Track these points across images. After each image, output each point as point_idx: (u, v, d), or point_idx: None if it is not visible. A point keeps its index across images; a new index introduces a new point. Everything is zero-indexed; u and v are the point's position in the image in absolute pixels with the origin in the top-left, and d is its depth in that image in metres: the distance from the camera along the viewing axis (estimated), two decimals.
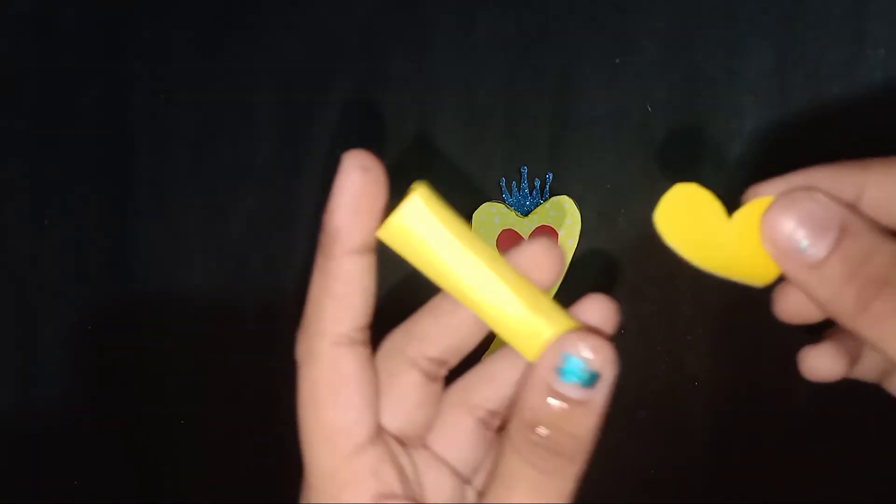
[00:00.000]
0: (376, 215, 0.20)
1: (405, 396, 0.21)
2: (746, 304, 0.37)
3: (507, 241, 0.38)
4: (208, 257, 0.43)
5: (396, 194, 0.42)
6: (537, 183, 0.39)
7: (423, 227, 0.19)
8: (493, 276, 0.19)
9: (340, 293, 0.21)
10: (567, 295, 0.38)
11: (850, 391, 0.35)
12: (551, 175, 0.39)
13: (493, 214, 0.38)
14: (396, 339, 0.22)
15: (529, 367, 0.19)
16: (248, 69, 0.43)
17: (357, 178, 0.20)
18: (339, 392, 0.20)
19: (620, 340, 0.40)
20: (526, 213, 0.39)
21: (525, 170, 0.39)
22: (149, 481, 0.43)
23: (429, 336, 0.21)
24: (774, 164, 0.37)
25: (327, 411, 0.20)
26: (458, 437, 0.22)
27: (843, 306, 0.19)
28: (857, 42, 0.36)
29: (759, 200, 0.21)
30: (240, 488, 0.42)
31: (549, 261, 0.20)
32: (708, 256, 0.20)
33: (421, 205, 0.19)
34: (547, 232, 0.38)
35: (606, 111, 0.38)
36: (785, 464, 0.37)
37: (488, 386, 0.21)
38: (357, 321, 0.21)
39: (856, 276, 0.19)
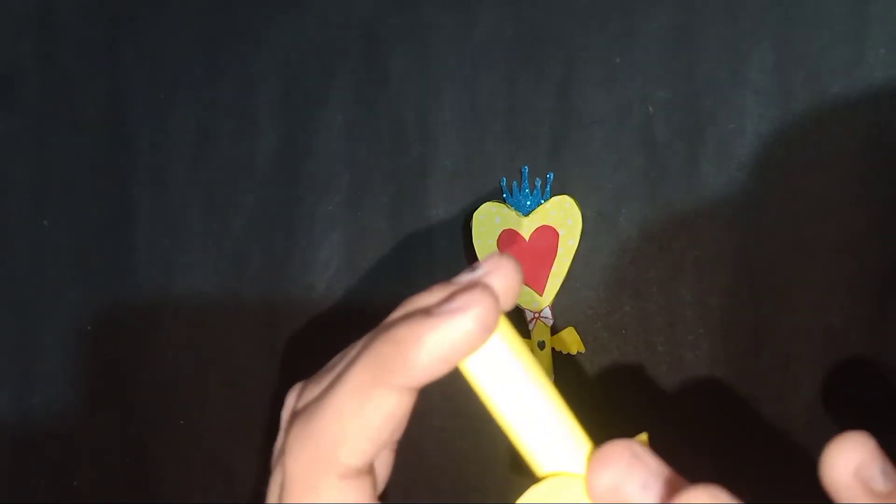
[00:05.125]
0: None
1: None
2: (748, 305, 0.37)
3: (507, 241, 0.38)
4: (208, 257, 0.43)
5: (395, 196, 0.41)
6: (538, 183, 0.39)
7: (500, 369, 0.19)
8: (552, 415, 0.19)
9: (378, 427, 0.18)
10: (568, 295, 0.38)
11: (851, 392, 0.35)
12: (552, 175, 0.39)
13: (493, 214, 0.38)
14: None
15: None
16: (249, 69, 0.43)
17: (477, 337, 0.18)
18: None
19: (621, 340, 0.40)
20: (527, 213, 0.38)
21: (526, 169, 0.39)
22: (149, 481, 0.43)
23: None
24: (775, 164, 0.37)
25: None
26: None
27: None
28: (857, 41, 0.36)
29: None
30: (240, 488, 0.42)
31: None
32: None
33: (501, 341, 0.19)
34: (547, 232, 0.38)
35: (607, 111, 0.38)
36: (785, 464, 0.37)
37: None
38: (376, 454, 0.19)
39: None
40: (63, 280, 0.45)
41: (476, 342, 0.18)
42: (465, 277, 0.19)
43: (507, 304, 0.19)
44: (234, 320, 0.42)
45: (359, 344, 0.20)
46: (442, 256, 0.40)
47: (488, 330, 0.18)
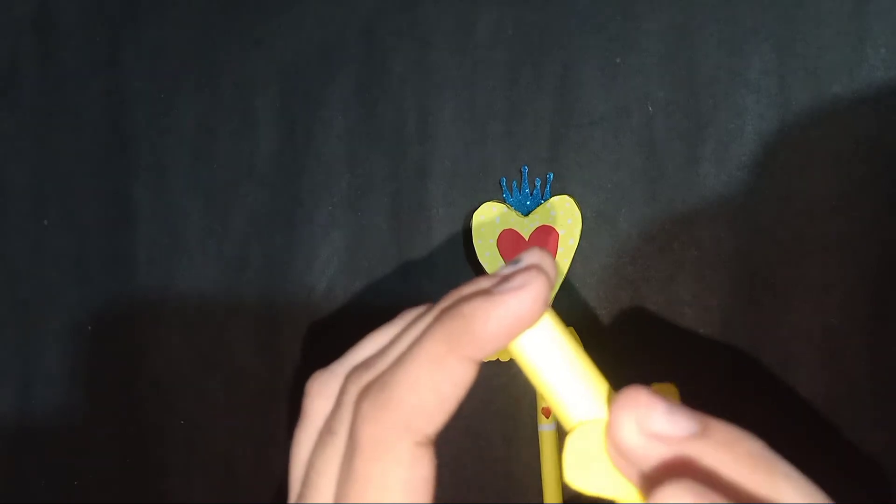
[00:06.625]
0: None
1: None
2: (747, 305, 0.37)
3: (507, 241, 0.38)
4: (208, 257, 0.43)
5: (395, 196, 0.41)
6: (538, 183, 0.39)
7: (550, 344, 0.21)
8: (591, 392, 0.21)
9: (450, 396, 0.20)
10: (568, 295, 0.38)
11: (850, 392, 0.35)
12: (552, 175, 0.39)
13: (493, 214, 0.38)
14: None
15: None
16: (249, 69, 0.43)
17: (536, 311, 0.20)
18: (409, 496, 0.20)
19: (621, 341, 0.40)
20: (527, 213, 0.38)
21: (526, 169, 0.39)
22: (149, 481, 0.43)
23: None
24: (775, 164, 0.37)
25: None
26: None
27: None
28: (857, 42, 0.36)
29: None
30: (240, 488, 0.42)
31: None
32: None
33: (552, 324, 0.21)
34: (547, 232, 0.38)
35: (607, 111, 0.38)
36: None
37: None
38: (443, 424, 0.20)
39: None
40: (63, 280, 0.45)
41: (535, 316, 0.20)
42: (509, 269, 0.21)
43: (551, 292, 0.21)
44: (234, 321, 0.42)
45: (416, 324, 0.22)
46: (442, 256, 0.40)
47: (545, 305, 0.20)
